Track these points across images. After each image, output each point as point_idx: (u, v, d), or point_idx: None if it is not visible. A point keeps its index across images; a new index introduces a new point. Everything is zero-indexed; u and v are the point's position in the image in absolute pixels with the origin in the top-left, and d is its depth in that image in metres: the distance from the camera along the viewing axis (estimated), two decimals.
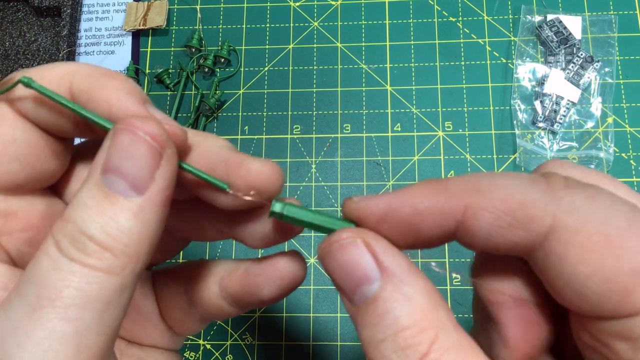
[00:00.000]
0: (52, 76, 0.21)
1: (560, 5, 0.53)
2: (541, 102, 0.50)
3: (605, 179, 0.21)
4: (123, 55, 0.55)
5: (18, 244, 0.22)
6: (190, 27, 0.55)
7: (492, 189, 0.20)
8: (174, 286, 0.27)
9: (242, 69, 0.54)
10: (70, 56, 0.54)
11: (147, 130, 0.19)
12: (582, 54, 0.51)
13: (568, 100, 0.50)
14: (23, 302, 0.17)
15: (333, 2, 0.55)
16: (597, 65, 0.51)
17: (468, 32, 0.53)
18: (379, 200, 0.21)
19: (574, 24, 0.52)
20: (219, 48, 0.54)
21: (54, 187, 0.24)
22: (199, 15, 0.55)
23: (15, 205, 0.22)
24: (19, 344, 0.17)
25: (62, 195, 0.24)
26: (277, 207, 0.22)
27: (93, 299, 0.17)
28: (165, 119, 0.21)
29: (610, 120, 0.50)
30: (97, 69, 0.21)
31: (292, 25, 0.55)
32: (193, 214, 0.25)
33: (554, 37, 0.51)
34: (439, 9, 0.54)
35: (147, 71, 0.54)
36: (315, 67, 0.53)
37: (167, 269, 0.28)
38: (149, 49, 0.55)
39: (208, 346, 0.47)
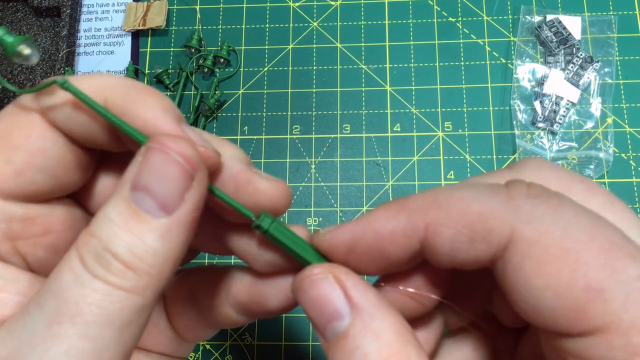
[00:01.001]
0: (87, 87, 0.21)
1: (559, 5, 0.53)
2: (541, 102, 0.50)
3: (580, 184, 0.20)
4: (122, 56, 0.55)
5: (35, 249, 0.22)
6: (190, 28, 0.55)
7: (451, 202, 0.19)
8: (182, 292, 0.27)
9: (241, 69, 0.54)
10: (70, 56, 0.54)
11: (181, 151, 0.19)
12: (581, 54, 0.51)
13: (568, 100, 0.50)
14: (43, 314, 0.17)
15: (332, 3, 0.55)
16: (596, 66, 0.51)
17: (467, 32, 0.53)
18: (343, 230, 0.21)
19: (573, 25, 0.52)
20: (219, 48, 0.54)
21: (72, 193, 0.24)
22: (198, 15, 0.55)
23: (33, 211, 0.22)
24: (36, 356, 0.17)
25: (82, 200, 0.24)
26: (264, 222, 0.21)
27: (114, 317, 0.17)
28: (200, 140, 0.21)
29: (609, 120, 0.50)
30: (134, 84, 0.21)
31: (291, 25, 0.55)
32: (205, 227, 0.25)
33: (554, 37, 0.51)
34: (439, 9, 0.54)
35: (147, 71, 0.54)
36: (314, 68, 0.53)
37: (175, 274, 0.28)
38: (148, 49, 0.55)
39: (207, 346, 0.47)
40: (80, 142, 0.22)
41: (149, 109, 0.20)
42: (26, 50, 0.21)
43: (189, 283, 0.27)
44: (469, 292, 0.25)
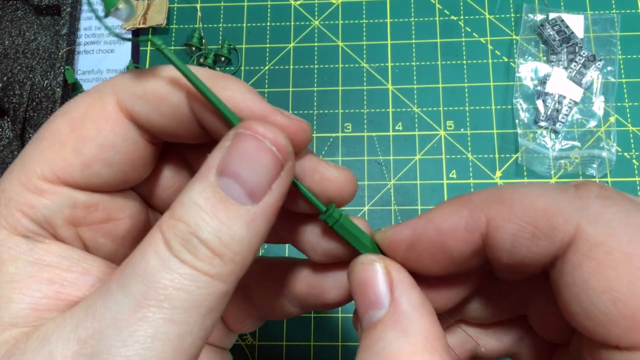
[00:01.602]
0: (171, 71, 0.20)
1: (562, 3, 0.53)
2: (543, 101, 0.50)
3: None
4: (123, 54, 0.55)
5: (96, 236, 0.22)
6: (191, 26, 0.55)
7: (515, 197, 0.19)
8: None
9: (242, 68, 0.54)
10: (70, 55, 0.53)
11: (274, 139, 0.18)
12: (584, 53, 0.50)
13: (570, 99, 0.50)
14: (128, 296, 0.17)
15: (334, 1, 0.55)
16: (599, 64, 0.50)
17: (470, 30, 0.53)
18: (405, 227, 0.21)
19: (576, 23, 0.51)
20: (220, 47, 0.54)
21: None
22: (199, 13, 0.55)
23: (96, 199, 0.22)
24: (122, 340, 0.16)
25: (140, 191, 0.24)
26: (335, 213, 0.22)
27: (200, 303, 0.17)
28: (288, 118, 0.21)
29: (612, 119, 0.50)
30: (214, 72, 0.21)
31: (292, 23, 0.55)
32: None
33: (556, 35, 0.51)
34: (441, 7, 0.54)
35: None
36: (316, 66, 0.53)
37: None
38: (149, 48, 0.55)
39: None
40: (156, 133, 0.21)
41: (236, 91, 0.20)
42: (121, 5, 0.20)
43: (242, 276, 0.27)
44: (502, 303, 0.24)
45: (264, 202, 0.18)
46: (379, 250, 0.23)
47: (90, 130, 0.20)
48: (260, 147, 0.18)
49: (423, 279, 0.22)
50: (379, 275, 0.20)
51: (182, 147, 0.24)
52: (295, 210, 0.23)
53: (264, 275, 0.26)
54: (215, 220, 0.18)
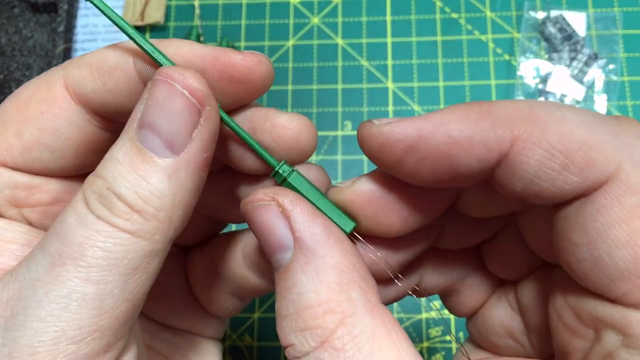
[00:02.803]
0: (114, 49, 0.20)
1: (563, 1, 0.53)
2: (545, 99, 0.50)
3: None
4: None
5: (43, 217, 0.21)
6: (189, 23, 0.55)
7: (550, 120, 0.16)
8: (202, 261, 0.26)
9: None
10: (67, 53, 0.53)
11: (184, 82, 0.17)
12: (586, 51, 0.50)
13: (572, 97, 0.49)
14: (45, 256, 0.16)
15: None
16: (601, 63, 0.50)
17: (470, 28, 0.53)
18: (408, 125, 0.18)
19: (577, 21, 0.51)
20: (218, 44, 0.53)
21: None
22: (197, 11, 0.55)
23: (39, 181, 0.21)
24: (37, 300, 0.16)
25: None
26: (283, 168, 0.20)
27: (118, 261, 0.16)
28: (245, 52, 0.19)
29: None
30: (162, 39, 0.20)
31: (291, 21, 0.54)
32: (216, 186, 0.24)
33: (558, 34, 0.50)
34: (441, 5, 0.54)
35: None
36: (315, 64, 0.53)
37: (195, 245, 0.27)
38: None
39: None
40: (106, 113, 0.20)
41: (181, 46, 0.19)
42: None
43: (208, 250, 0.26)
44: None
45: (186, 152, 0.17)
46: (338, 210, 0.20)
47: (33, 112, 0.20)
48: (172, 92, 0.17)
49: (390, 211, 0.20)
50: (276, 217, 0.18)
51: None
52: (246, 170, 0.21)
53: (226, 247, 0.25)
54: (133, 174, 0.17)
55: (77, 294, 0.16)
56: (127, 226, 0.16)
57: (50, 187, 0.21)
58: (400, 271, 0.22)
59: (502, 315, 0.23)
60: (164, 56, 0.19)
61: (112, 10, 0.19)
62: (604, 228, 0.16)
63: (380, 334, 0.17)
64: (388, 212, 0.20)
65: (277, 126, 0.20)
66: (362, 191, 0.20)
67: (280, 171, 0.20)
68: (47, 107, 0.20)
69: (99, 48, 0.20)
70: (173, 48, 0.19)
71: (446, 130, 0.17)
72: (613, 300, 0.16)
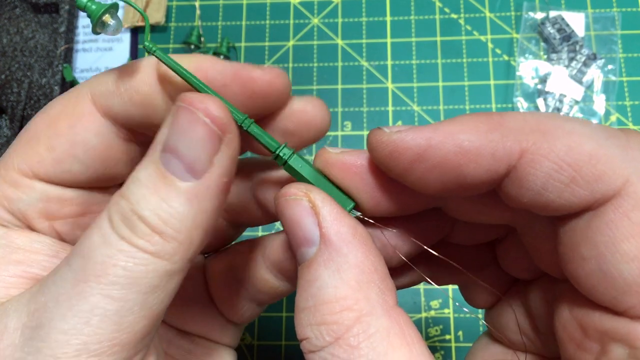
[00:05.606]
0: (141, 65, 0.21)
1: (562, 2, 0.53)
2: (544, 99, 0.50)
3: None
4: (121, 52, 0.54)
5: (73, 228, 0.22)
6: (189, 24, 0.55)
7: (559, 132, 0.17)
8: (221, 267, 0.27)
9: None
10: (68, 53, 0.53)
11: (206, 110, 0.18)
12: (584, 51, 0.50)
13: (571, 98, 0.49)
14: (70, 272, 0.17)
15: None
16: (600, 63, 0.50)
17: (470, 29, 0.53)
18: (417, 133, 0.18)
19: (576, 21, 0.51)
20: (218, 45, 0.54)
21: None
22: (197, 11, 0.55)
23: (71, 194, 0.22)
24: (61, 314, 0.17)
25: None
26: (283, 152, 0.21)
27: (139, 280, 0.17)
28: (264, 67, 0.20)
29: (613, 118, 0.49)
30: (181, 54, 0.21)
31: (292, 22, 0.54)
32: (237, 189, 0.24)
33: (557, 34, 0.51)
34: (441, 5, 0.54)
35: None
36: (315, 65, 0.53)
37: (214, 251, 0.28)
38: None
39: None
40: (133, 126, 0.21)
41: (202, 61, 0.20)
42: (110, 20, 0.20)
43: (227, 257, 0.27)
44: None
45: (207, 177, 0.18)
46: (337, 189, 0.21)
47: (63, 126, 0.21)
48: (193, 120, 0.18)
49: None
50: (305, 212, 0.19)
51: None
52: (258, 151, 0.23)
53: (246, 252, 0.26)
54: (155, 196, 0.17)
55: (99, 310, 0.17)
56: (148, 247, 0.17)
57: (80, 199, 0.22)
58: (410, 260, 0.23)
59: (517, 312, 0.24)
60: (198, 80, 0.20)
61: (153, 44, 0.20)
62: (612, 242, 0.16)
63: (395, 334, 0.17)
64: (383, 190, 0.21)
65: (295, 112, 0.21)
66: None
67: (281, 154, 0.21)
68: (76, 121, 0.21)
69: (126, 62, 0.21)
70: (194, 64, 0.20)
71: (455, 140, 0.17)
72: (620, 314, 0.16)
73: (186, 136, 0.18)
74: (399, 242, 0.22)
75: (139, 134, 0.22)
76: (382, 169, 0.20)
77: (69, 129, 0.21)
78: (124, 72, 0.21)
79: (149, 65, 0.21)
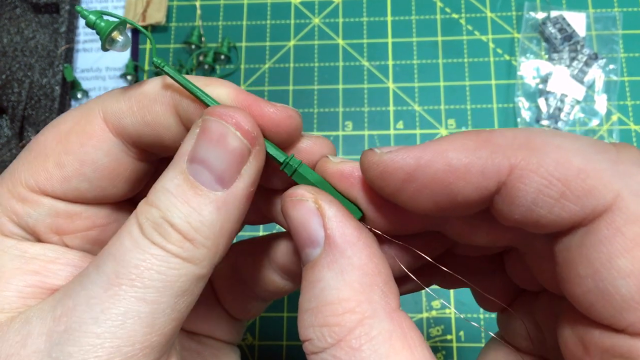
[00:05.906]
0: (153, 84, 0.21)
1: (563, 1, 0.53)
2: (545, 99, 0.50)
3: None
4: (122, 52, 0.54)
5: (82, 242, 0.22)
6: (190, 24, 0.55)
7: (548, 148, 0.16)
8: (226, 265, 0.27)
9: (242, 66, 0.53)
10: (69, 53, 0.53)
11: (238, 124, 0.18)
12: (586, 51, 0.50)
13: (572, 97, 0.49)
14: (101, 276, 0.17)
15: None
16: (601, 63, 0.50)
17: (471, 29, 0.53)
18: (407, 153, 0.18)
19: (577, 21, 0.51)
20: (219, 45, 0.54)
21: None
22: (198, 11, 0.55)
23: (78, 208, 0.22)
24: (93, 317, 0.17)
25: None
26: (293, 161, 0.21)
27: (171, 284, 0.17)
28: (276, 104, 0.21)
29: (614, 118, 0.49)
30: (197, 76, 0.21)
31: (292, 22, 0.54)
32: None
33: (558, 34, 0.51)
34: (442, 5, 0.54)
35: (147, 68, 0.54)
36: (316, 65, 0.53)
37: None
38: (148, 46, 0.55)
39: None
40: (144, 145, 0.22)
41: (218, 87, 0.21)
42: (119, 37, 0.20)
43: (232, 256, 0.27)
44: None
45: (234, 187, 0.18)
46: (346, 199, 0.21)
47: (74, 144, 0.21)
48: (225, 133, 0.18)
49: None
50: (311, 213, 0.19)
51: None
52: (271, 186, 0.23)
53: (252, 252, 0.26)
54: (186, 205, 0.18)
55: (133, 312, 0.17)
56: (180, 252, 0.18)
57: (88, 214, 0.22)
58: (416, 267, 0.23)
59: (526, 319, 0.24)
60: (210, 97, 0.20)
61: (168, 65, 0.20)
62: (607, 258, 0.16)
63: (397, 337, 0.17)
64: (378, 207, 0.21)
65: (301, 151, 0.22)
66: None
67: (291, 163, 0.21)
68: (87, 140, 0.21)
69: (141, 81, 0.22)
70: (224, 89, 0.21)
71: (444, 158, 0.17)
72: (620, 331, 0.16)
73: (216, 148, 0.18)
74: (402, 253, 0.22)
75: (148, 153, 0.22)
76: (375, 190, 0.20)
77: (79, 147, 0.21)
78: (136, 90, 0.21)
79: (160, 84, 0.21)
